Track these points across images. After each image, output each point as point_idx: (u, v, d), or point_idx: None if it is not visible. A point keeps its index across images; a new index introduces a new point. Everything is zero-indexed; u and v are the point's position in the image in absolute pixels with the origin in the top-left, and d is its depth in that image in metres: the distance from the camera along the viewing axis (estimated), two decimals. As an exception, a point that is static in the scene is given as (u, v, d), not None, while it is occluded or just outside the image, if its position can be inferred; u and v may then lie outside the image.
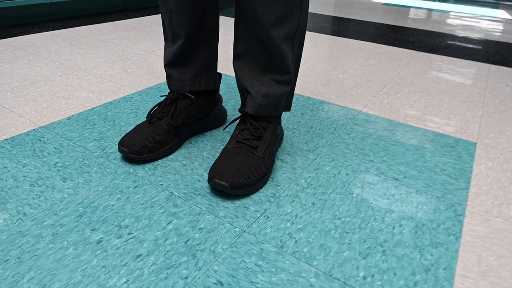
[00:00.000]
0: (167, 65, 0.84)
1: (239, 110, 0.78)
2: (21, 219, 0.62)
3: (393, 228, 0.67)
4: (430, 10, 3.15)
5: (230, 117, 1.03)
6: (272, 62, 0.73)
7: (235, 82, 1.28)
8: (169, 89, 0.87)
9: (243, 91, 0.77)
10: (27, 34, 1.70)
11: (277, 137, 0.82)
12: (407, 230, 0.67)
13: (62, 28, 1.84)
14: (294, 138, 0.95)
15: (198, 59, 0.83)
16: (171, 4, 0.75)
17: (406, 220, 0.69)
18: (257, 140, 0.76)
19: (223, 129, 0.87)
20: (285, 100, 0.80)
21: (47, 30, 1.79)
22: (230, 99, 1.15)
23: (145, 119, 0.97)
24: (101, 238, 0.60)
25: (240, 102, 1.13)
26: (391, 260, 0.60)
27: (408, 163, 0.87)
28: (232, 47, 1.72)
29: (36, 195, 0.68)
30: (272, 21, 0.67)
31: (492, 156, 0.93)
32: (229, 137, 0.93)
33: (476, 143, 0.99)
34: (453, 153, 0.93)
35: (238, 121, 0.91)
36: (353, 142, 0.95)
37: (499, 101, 1.29)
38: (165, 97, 0.86)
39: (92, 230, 0.61)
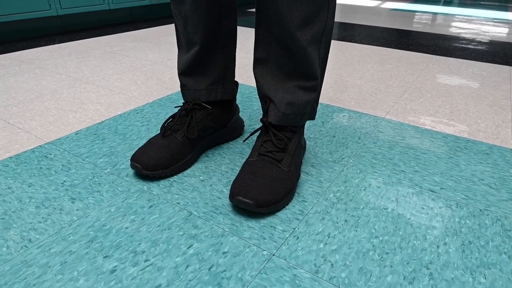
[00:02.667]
0: (182, 73, 0.78)
1: (261, 120, 0.72)
2: (26, 246, 0.56)
3: (438, 247, 0.60)
4: (438, 14, 3.10)
5: (247, 128, 0.97)
6: (297, 67, 0.67)
7: (250, 91, 1.23)
8: (184, 99, 0.81)
9: (265, 99, 0.71)
10: (33, 47, 1.67)
11: (302, 148, 0.76)
12: (453, 248, 0.60)
13: (69, 41, 1.80)
14: (317, 149, 0.88)
15: (215, 67, 0.77)
16: (185, 8, 0.70)
17: (450, 237, 0.62)
18: (282, 152, 0.70)
19: (243, 141, 0.81)
20: (310, 108, 0.73)
21: (54, 43, 1.75)
22: (246, 108, 1.10)
23: (158, 131, 0.92)
24: (115, 266, 0.53)
25: (257, 111, 1.07)
26: (440, 285, 0.53)
27: (443, 173, 0.81)
28: (243, 55, 1.67)
29: (43, 218, 0.62)
30: (298, 22, 0.61)
31: (532, 163, 0.86)
32: (248, 149, 0.87)
33: (511, 150, 0.92)
34: (489, 161, 0.86)
35: (259, 132, 0.85)
36: (380, 151, 0.88)
37: (528, 104, 1.22)
38: (179, 108, 0.80)
39: (104, 257, 0.55)
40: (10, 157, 0.80)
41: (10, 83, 1.23)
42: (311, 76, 0.68)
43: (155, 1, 2.28)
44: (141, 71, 1.38)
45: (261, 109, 0.76)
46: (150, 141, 0.77)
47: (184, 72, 0.78)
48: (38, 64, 1.43)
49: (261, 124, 0.96)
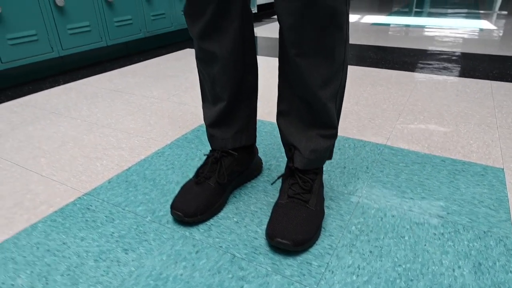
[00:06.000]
0: (210, 126, 0.86)
1: (288, 165, 0.81)
2: (99, 300, 0.64)
3: (453, 270, 0.69)
4: (413, 27, 3.26)
5: (264, 164, 1.06)
6: (318, 118, 0.76)
7: (258, 125, 1.31)
8: (212, 147, 0.90)
9: (290, 147, 0.80)
10: (40, 90, 1.73)
11: (323, 186, 0.85)
12: (467, 271, 0.69)
13: (72, 81, 1.86)
14: (332, 181, 0.98)
15: (239, 118, 0.86)
16: (214, 70, 0.79)
17: (463, 260, 0.72)
18: (308, 193, 0.79)
19: (271, 184, 0.90)
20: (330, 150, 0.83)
21: (58, 84, 1.81)
22: (258, 144, 1.18)
23: (183, 174, 0.99)
24: (183, 313, 0.61)
25: (269, 145, 1.16)
26: (461, 306, 0.62)
27: (447, 197, 0.91)
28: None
29: (104, 271, 0.70)
30: (319, 84, 0.70)
31: (523, 181, 0.97)
32: (269, 186, 0.95)
33: (503, 169, 1.03)
34: (485, 182, 0.97)
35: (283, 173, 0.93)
36: (388, 180, 0.98)
37: (511, 120, 1.34)
38: (208, 155, 0.89)
39: (171, 305, 0.62)
40: (55, 212, 0.87)
41: (29, 132, 1.29)
42: (330, 125, 0.77)
43: (148, 34, 2.36)
44: (151, 110, 1.46)
45: (285, 155, 0.85)
46: (185, 189, 0.85)
47: (212, 125, 0.86)
48: (50, 109, 1.49)
49: (275, 161, 1.04)
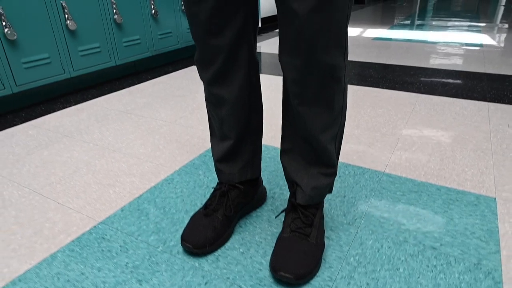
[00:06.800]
0: (218, 161, 0.93)
1: (290, 201, 0.87)
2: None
3: (444, 303, 0.75)
4: (414, 41, 3.32)
5: (268, 192, 1.11)
6: (319, 159, 0.82)
7: (262, 150, 1.37)
8: (219, 180, 0.96)
9: (292, 183, 0.86)
10: (52, 112, 1.80)
11: (323, 219, 0.90)
12: (457, 304, 0.75)
13: (83, 101, 1.93)
14: (332, 211, 1.03)
15: (245, 154, 0.92)
16: (222, 112, 0.85)
17: (453, 293, 0.77)
18: (309, 227, 0.85)
19: (275, 217, 0.96)
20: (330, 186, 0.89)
21: (70, 105, 1.88)
22: (263, 170, 1.24)
23: (192, 202, 1.05)
24: None
25: (272, 173, 1.22)
26: None
27: (441, 228, 0.96)
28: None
29: (121, 302, 0.76)
30: (320, 129, 0.76)
31: (513, 212, 1.02)
32: (273, 216, 1.01)
33: (495, 198, 1.08)
34: (478, 212, 1.02)
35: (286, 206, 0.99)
36: (385, 209, 1.04)
37: (505, 145, 1.40)
38: (215, 188, 0.95)
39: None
40: (73, 241, 0.93)
41: (45, 157, 1.35)
42: (330, 165, 0.83)
43: (155, 52, 2.43)
44: (160, 134, 1.52)
45: (288, 189, 0.90)
46: (194, 221, 0.91)
47: (219, 160, 0.92)
48: (63, 131, 1.56)
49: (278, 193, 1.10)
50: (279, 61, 0.73)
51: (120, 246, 0.91)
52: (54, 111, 1.81)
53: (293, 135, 0.83)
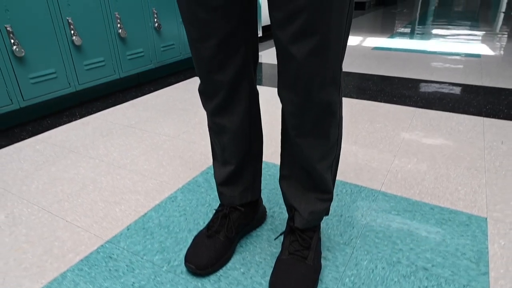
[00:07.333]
0: (220, 184, 0.97)
1: (289, 224, 0.92)
2: None
3: (433, 324, 0.79)
4: (415, 51, 3.36)
5: (268, 211, 1.16)
6: (316, 185, 0.86)
7: (263, 166, 1.42)
8: (221, 202, 1.00)
9: (291, 208, 0.91)
10: (58, 125, 1.84)
11: (320, 240, 0.95)
12: (445, 325, 0.79)
13: (87, 115, 1.98)
14: (329, 230, 1.08)
15: (246, 177, 0.97)
16: (224, 139, 0.89)
17: (442, 314, 0.82)
18: (307, 250, 0.89)
19: (274, 239, 1.00)
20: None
21: (75, 118, 1.93)
22: (263, 188, 1.29)
23: (195, 221, 1.10)
24: None
25: (272, 191, 1.27)
26: None
27: (433, 249, 1.01)
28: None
29: (128, 322, 0.80)
30: (316, 159, 0.81)
31: (503, 232, 1.07)
32: (273, 236, 1.06)
33: (486, 218, 1.13)
34: (469, 233, 1.07)
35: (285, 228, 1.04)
36: (381, 229, 1.08)
37: (499, 163, 1.44)
38: (218, 210, 0.99)
39: None
40: (81, 260, 0.98)
41: (52, 173, 1.40)
42: (326, 191, 0.88)
43: (158, 64, 2.48)
44: (163, 150, 1.57)
45: (287, 213, 0.95)
46: (197, 241, 0.95)
47: (221, 183, 0.97)
48: (69, 147, 1.61)
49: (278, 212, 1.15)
50: (278, 94, 0.78)
51: (127, 265, 0.96)
52: (60, 125, 1.86)
53: (291, 162, 0.87)
